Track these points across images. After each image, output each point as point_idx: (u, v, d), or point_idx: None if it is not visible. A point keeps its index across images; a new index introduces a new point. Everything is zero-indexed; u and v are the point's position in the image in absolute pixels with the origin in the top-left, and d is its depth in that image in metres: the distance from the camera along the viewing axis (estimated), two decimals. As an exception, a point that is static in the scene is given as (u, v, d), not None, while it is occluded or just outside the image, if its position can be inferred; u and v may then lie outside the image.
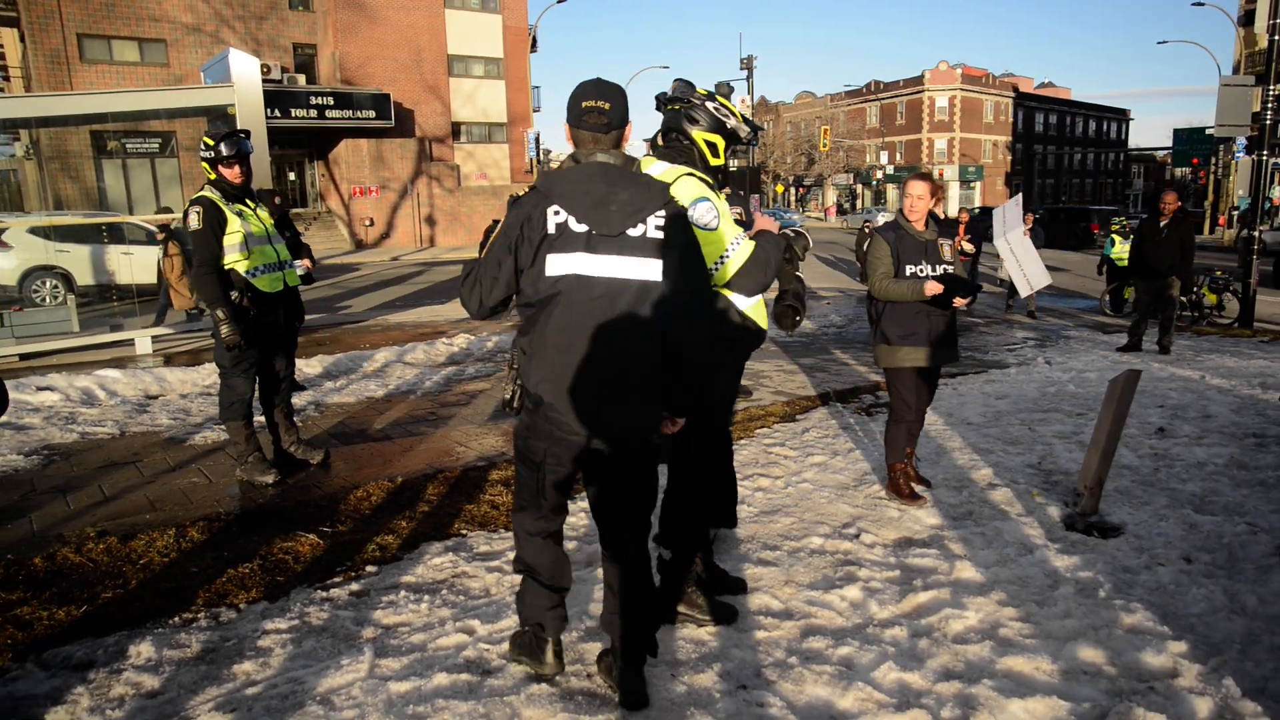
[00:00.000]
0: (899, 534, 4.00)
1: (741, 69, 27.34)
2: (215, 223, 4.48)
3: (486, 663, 2.89)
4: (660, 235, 2.44)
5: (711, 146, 3.04)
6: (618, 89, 2.52)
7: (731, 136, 3.07)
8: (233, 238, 4.54)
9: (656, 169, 2.89)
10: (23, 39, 26.76)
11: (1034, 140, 65.54)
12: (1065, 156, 67.61)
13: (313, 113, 27.81)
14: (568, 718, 2.58)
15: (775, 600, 3.33)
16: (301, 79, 29.01)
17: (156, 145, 27.04)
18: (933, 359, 4.36)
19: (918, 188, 4.37)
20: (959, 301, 4.23)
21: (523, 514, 2.70)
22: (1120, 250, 12.61)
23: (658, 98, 3.09)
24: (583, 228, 2.40)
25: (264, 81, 9.49)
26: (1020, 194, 10.19)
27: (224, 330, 4.47)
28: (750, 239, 2.93)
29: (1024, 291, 9.77)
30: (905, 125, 62.48)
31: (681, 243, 2.49)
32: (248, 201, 4.72)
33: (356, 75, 30.06)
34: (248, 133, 4.82)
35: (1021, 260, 9.07)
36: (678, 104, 3.03)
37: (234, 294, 4.55)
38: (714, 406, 3.19)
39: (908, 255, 4.31)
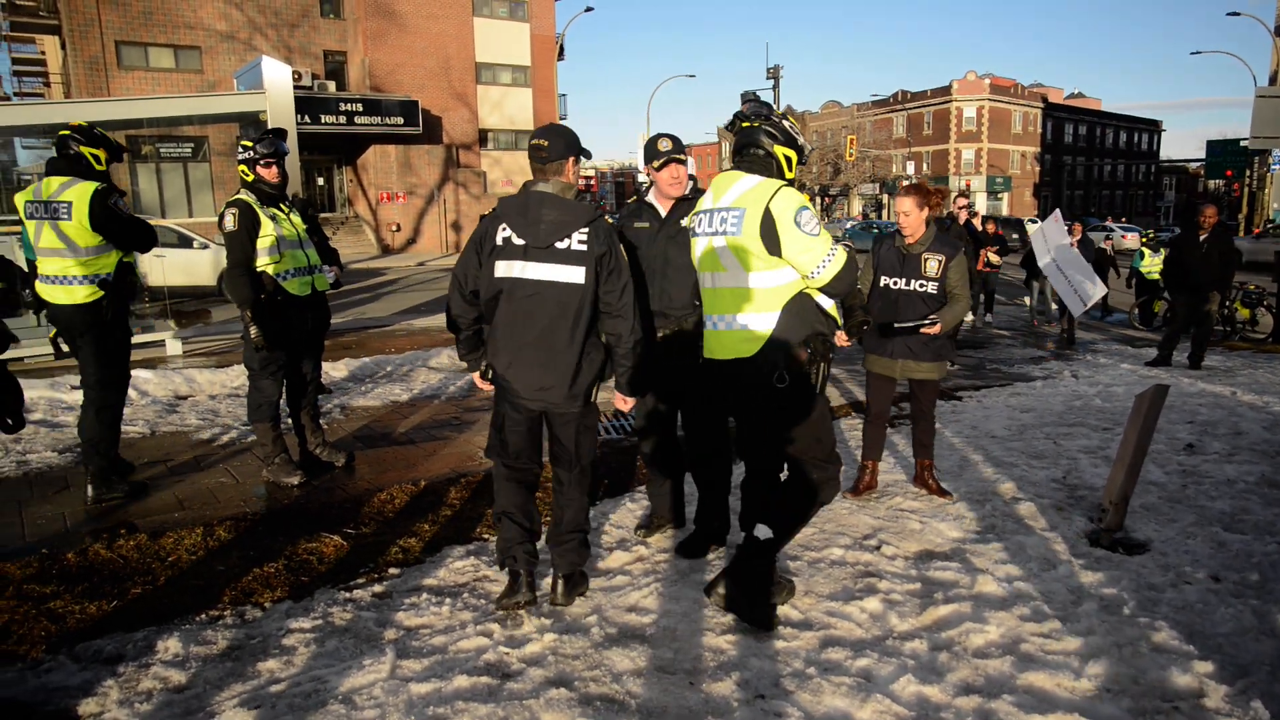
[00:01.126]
0: (920, 546, 3.98)
1: (768, 78, 27.38)
2: (250, 225, 4.56)
3: (506, 666, 2.92)
4: (584, 247, 3.05)
5: (789, 161, 3.17)
6: (560, 131, 3.16)
7: (801, 151, 3.21)
8: (265, 240, 4.62)
9: (749, 182, 3.06)
10: (64, 46, 27.34)
11: (1063, 151, 64.97)
12: (1095, 168, 66.90)
13: (342, 119, 28.20)
14: (586, 723, 2.59)
15: (795, 611, 3.33)
16: (331, 86, 29.42)
17: (189, 150, 27.53)
18: (898, 371, 4.56)
19: (904, 204, 4.42)
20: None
21: (494, 460, 3.36)
22: (1150, 263, 12.46)
23: (735, 116, 3.19)
24: (521, 241, 3.07)
25: (295, 88, 9.64)
26: (1057, 210, 9.91)
27: (254, 332, 4.54)
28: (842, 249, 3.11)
29: (1078, 309, 9.14)
30: (932, 135, 62.17)
31: (601, 252, 3.06)
32: (281, 206, 4.81)
33: (385, 82, 30.43)
34: (284, 133, 4.92)
35: (1071, 277, 8.65)
36: (757, 120, 3.13)
37: (265, 296, 4.63)
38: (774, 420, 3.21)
39: (885, 267, 4.51)
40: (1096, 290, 8.73)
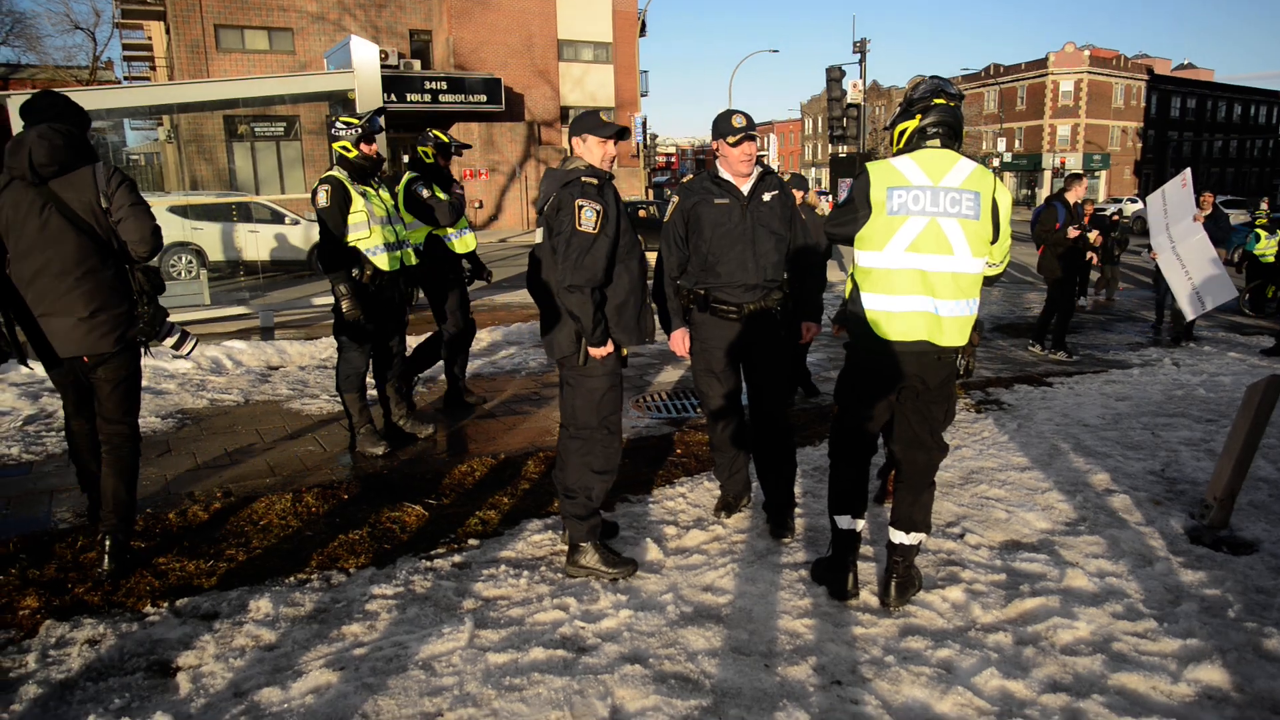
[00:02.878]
0: (1006, 536, 3.85)
1: (854, 52, 26.58)
2: (342, 201, 4.69)
3: (582, 640, 2.95)
4: (545, 212, 3.34)
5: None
6: (579, 115, 3.42)
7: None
8: (357, 216, 4.75)
9: (969, 165, 2.96)
10: (168, 31, 28.55)
11: (1169, 126, 61.48)
12: (1205, 144, 63.13)
13: (427, 97, 28.64)
14: (659, 700, 2.60)
15: (873, 597, 3.26)
16: (417, 64, 29.91)
17: (282, 129, 28.44)
18: None
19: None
20: None
21: None
22: (1266, 246, 11.70)
23: (932, 92, 3.00)
24: None
25: (382, 67, 9.83)
26: (1189, 170, 7.58)
27: (346, 305, 4.67)
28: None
29: (1192, 311, 7.36)
30: (1026, 111, 59.60)
31: (553, 215, 3.29)
32: (371, 182, 4.93)
33: (469, 60, 30.79)
34: (383, 110, 5.11)
35: (1190, 266, 6.93)
36: (953, 100, 2.99)
37: (355, 270, 4.77)
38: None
39: None
40: (1223, 293, 6.98)
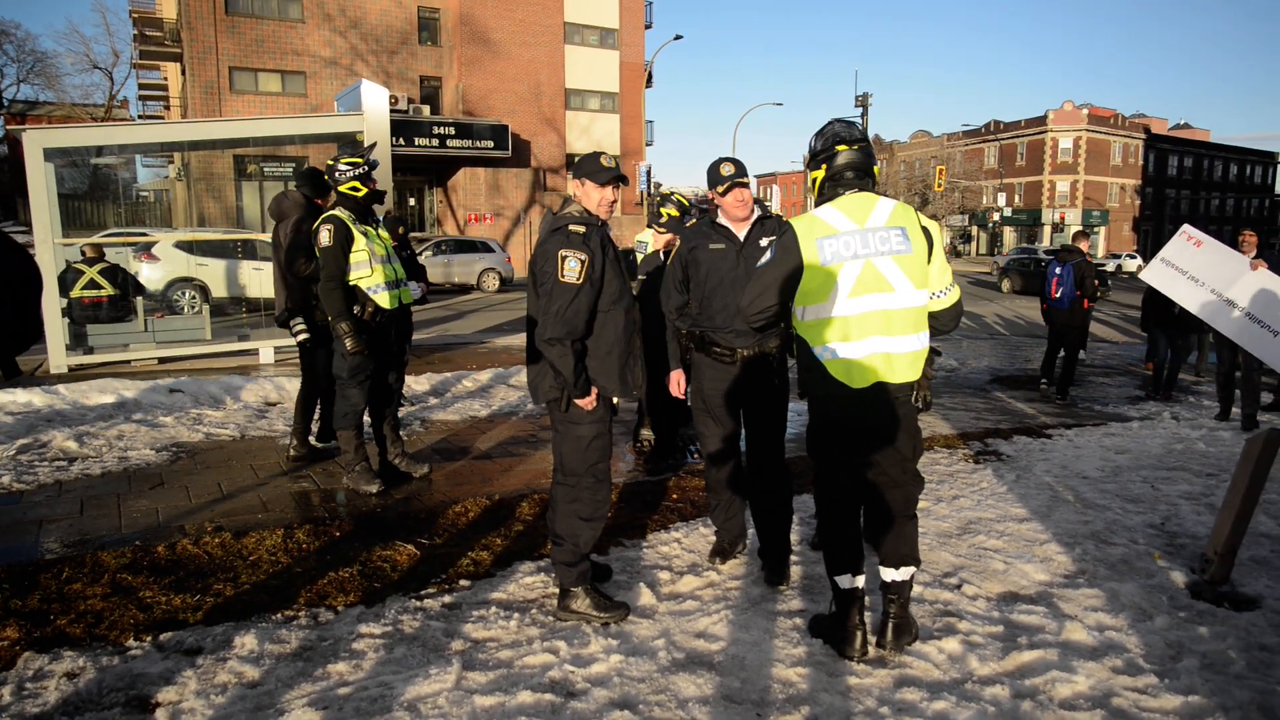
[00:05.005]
0: (1004, 588, 3.80)
1: (856, 106, 27.14)
2: (344, 240, 4.72)
3: (571, 685, 2.89)
4: (533, 256, 3.35)
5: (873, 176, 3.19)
6: (580, 159, 3.42)
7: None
8: (358, 255, 4.78)
9: (889, 203, 3.04)
10: (183, 72, 29.12)
11: (1166, 184, 62.29)
12: (1201, 202, 63.85)
13: (434, 141, 29.12)
14: (648, 748, 2.53)
15: (869, 647, 3.20)
16: (426, 109, 30.45)
17: (290, 169, 28.82)
18: None
19: None
20: None
21: None
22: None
23: (841, 139, 3.09)
24: None
25: (391, 111, 10.00)
26: (1186, 227, 6.90)
27: (349, 342, 4.68)
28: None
29: None
30: (1025, 166, 60.44)
31: (539, 262, 3.29)
32: (370, 222, 4.97)
33: (477, 107, 31.34)
34: (373, 146, 5.19)
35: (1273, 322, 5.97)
36: (857, 144, 3.07)
37: (356, 308, 4.78)
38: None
39: None
40: None
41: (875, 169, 3.11)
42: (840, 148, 3.04)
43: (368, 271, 4.82)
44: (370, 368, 4.88)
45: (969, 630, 3.35)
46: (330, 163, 4.94)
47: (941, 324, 3.15)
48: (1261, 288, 6.01)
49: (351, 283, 4.78)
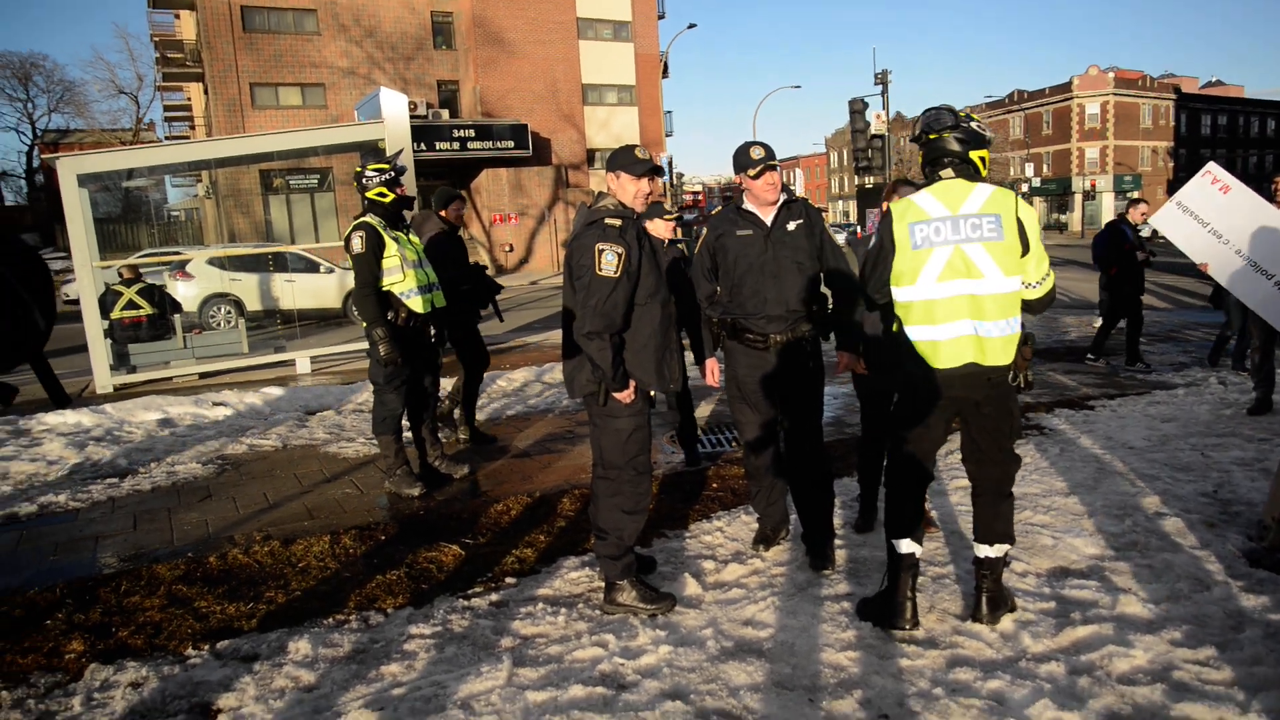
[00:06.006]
0: (1054, 563, 3.75)
1: (876, 84, 26.74)
2: (376, 246, 4.77)
3: (621, 677, 2.90)
4: (568, 250, 3.39)
5: (983, 161, 3.13)
6: (609, 156, 3.46)
7: (989, 146, 3.17)
8: (391, 261, 4.82)
9: (986, 189, 3.04)
10: (206, 91, 29.55)
11: (1200, 144, 60.74)
12: (1238, 159, 62.22)
13: (455, 145, 29.25)
14: (702, 737, 2.54)
15: (918, 629, 3.18)
16: (445, 113, 30.61)
17: (315, 181, 29.17)
18: (874, 383, 4.17)
19: (906, 192, 4.14)
20: None
21: None
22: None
23: (926, 126, 3.13)
24: None
25: (411, 117, 10.06)
26: (1211, 165, 6.18)
27: (383, 348, 4.73)
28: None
29: None
30: (1052, 135, 59.32)
31: (575, 256, 3.30)
32: (401, 228, 5.02)
33: (496, 108, 31.44)
34: (401, 151, 5.24)
35: None
36: (947, 131, 3.08)
37: (390, 314, 4.83)
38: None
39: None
40: None
41: (977, 154, 3.10)
42: (930, 137, 3.10)
43: (400, 277, 4.86)
44: (406, 373, 4.92)
45: (1020, 607, 3.31)
46: (358, 169, 4.99)
47: (1032, 310, 3.19)
48: None
49: (384, 288, 4.83)
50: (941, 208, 3.04)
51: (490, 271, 6.04)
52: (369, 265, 4.75)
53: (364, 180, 4.91)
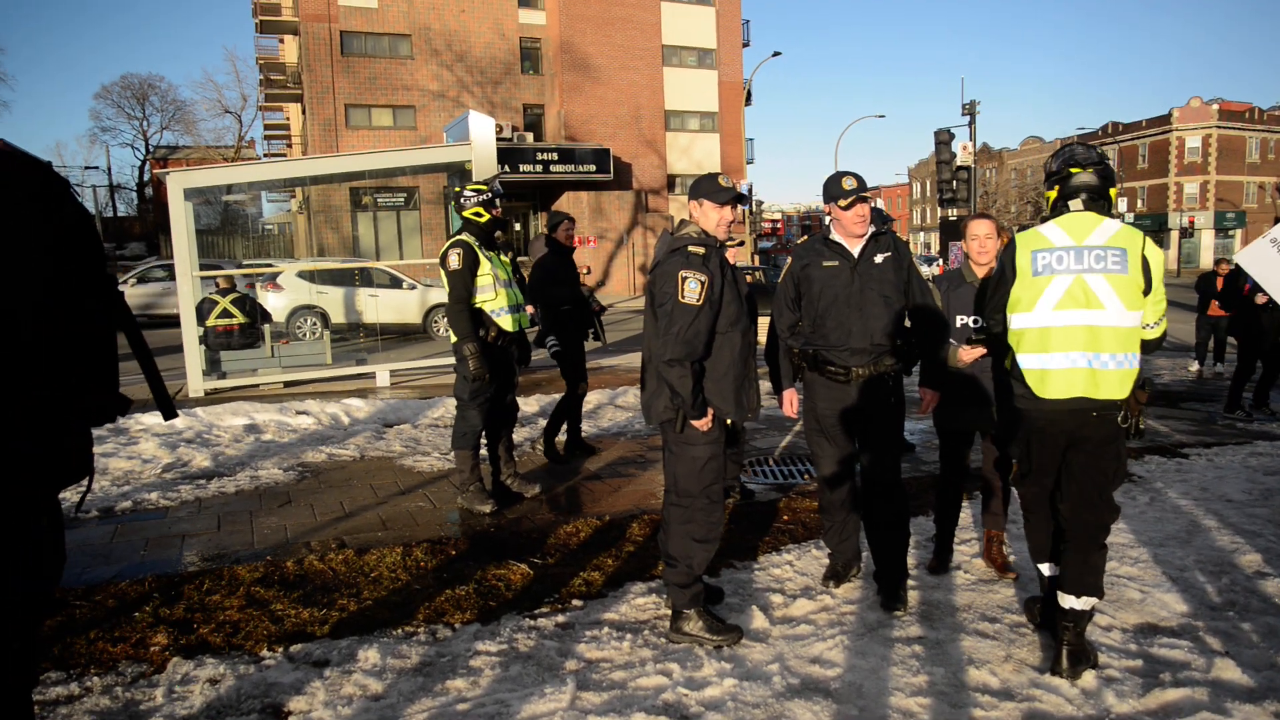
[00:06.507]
0: (1141, 619, 3.56)
1: (963, 114, 26.26)
2: (471, 264, 4.91)
3: (685, 708, 2.87)
4: (650, 276, 3.40)
5: (1112, 199, 3.18)
6: (697, 180, 3.45)
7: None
8: (484, 279, 4.96)
9: (1114, 224, 3.06)
10: (304, 111, 30.92)
11: (1311, 182, 57.54)
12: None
13: (538, 167, 29.86)
14: (765, 776, 2.48)
15: (993, 678, 3.06)
16: (529, 137, 31.29)
17: (402, 199, 30.14)
18: (954, 421, 4.05)
19: (982, 226, 4.06)
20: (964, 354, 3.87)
21: None
22: None
23: (1067, 160, 3.16)
24: None
25: (497, 140, 10.31)
26: None
27: (474, 363, 4.84)
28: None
29: None
30: (1148, 169, 57.15)
31: (657, 282, 3.30)
32: (494, 248, 5.17)
33: (579, 132, 31.99)
34: (500, 174, 5.39)
35: None
36: (1091, 166, 3.10)
37: (481, 331, 4.95)
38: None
39: (959, 305, 4.02)
40: None
41: (1113, 191, 3.14)
42: (1074, 170, 3.10)
43: (492, 295, 4.98)
44: (490, 391, 5.02)
45: (1104, 663, 3.15)
46: (457, 189, 5.17)
47: (1154, 346, 3.18)
48: None
49: (476, 306, 4.95)
50: (1067, 238, 3.05)
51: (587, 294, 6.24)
52: (464, 281, 4.88)
53: (462, 200, 5.06)
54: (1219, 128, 54.51)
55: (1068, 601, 3.07)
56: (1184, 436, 7.22)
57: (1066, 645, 3.07)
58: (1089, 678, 3.04)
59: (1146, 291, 3.00)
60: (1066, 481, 3.13)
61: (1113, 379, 2.98)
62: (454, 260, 4.87)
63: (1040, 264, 3.05)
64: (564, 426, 6.51)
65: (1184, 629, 3.45)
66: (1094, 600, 3.08)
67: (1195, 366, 11.42)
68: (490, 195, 5.07)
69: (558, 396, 8.71)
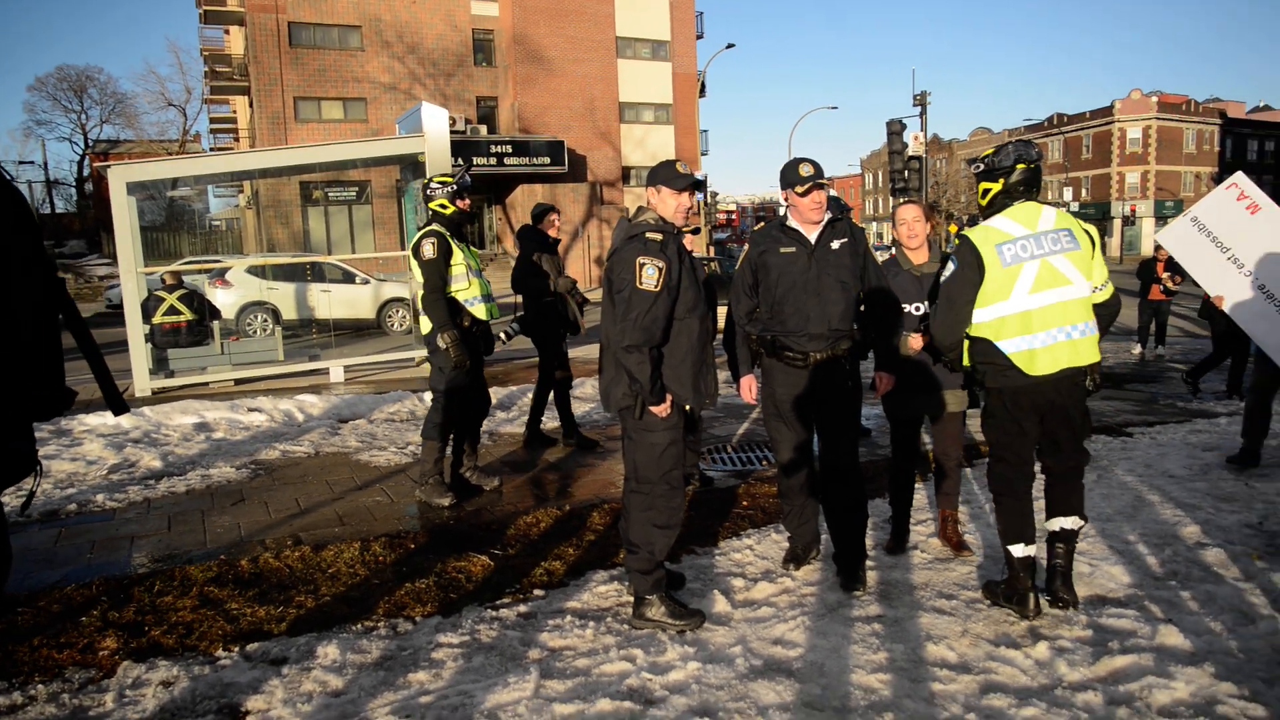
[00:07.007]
0: (1091, 591, 3.66)
1: (914, 105, 26.60)
2: (446, 253, 4.89)
3: (649, 692, 2.88)
4: (607, 264, 3.38)
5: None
6: (651, 170, 3.46)
7: None
8: (458, 268, 4.95)
9: (1053, 210, 3.38)
10: (251, 104, 30.24)
11: (1246, 171, 58.60)
12: (1284, 188, 60.99)
13: (492, 160, 29.62)
14: (729, 756, 2.51)
15: (951, 652, 3.13)
16: (483, 129, 31.01)
17: (354, 193, 29.67)
18: (905, 408, 4.11)
19: (909, 211, 4.14)
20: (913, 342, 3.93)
21: None
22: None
23: (1017, 156, 3.39)
24: None
25: (450, 132, 10.18)
26: (1239, 175, 5.63)
27: (454, 351, 4.82)
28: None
29: None
30: (1092, 159, 58.62)
31: (615, 269, 3.30)
32: (465, 238, 5.16)
33: (533, 124, 31.78)
34: (470, 167, 5.37)
35: None
36: (1037, 161, 3.40)
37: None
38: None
39: (901, 293, 4.00)
40: None
41: (1042, 183, 3.45)
42: (1020, 165, 3.36)
43: (466, 284, 4.98)
44: (467, 381, 5.01)
45: (1056, 635, 3.24)
46: (425, 180, 5.16)
47: (1102, 320, 3.44)
48: None
49: (451, 295, 4.94)
50: (1021, 228, 3.31)
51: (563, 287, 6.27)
52: (439, 270, 4.86)
53: (429, 191, 5.03)
54: (1158, 119, 56.10)
55: (1058, 524, 3.48)
56: (1129, 416, 7.43)
57: (1059, 570, 3.48)
58: (1042, 649, 3.12)
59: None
60: (1049, 442, 3.46)
61: (1089, 345, 3.31)
62: (428, 249, 4.84)
63: (1008, 255, 3.27)
64: (549, 412, 6.64)
65: (1130, 599, 3.56)
66: (1081, 521, 3.49)
67: (1138, 349, 11.74)
68: (456, 187, 5.04)
69: (514, 389, 8.68)
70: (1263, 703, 2.73)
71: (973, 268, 3.30)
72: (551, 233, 6.33)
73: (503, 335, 6.11)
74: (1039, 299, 3.27)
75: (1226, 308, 5.08)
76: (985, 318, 3.32)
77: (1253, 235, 4.99)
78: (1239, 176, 5.27)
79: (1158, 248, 11.56)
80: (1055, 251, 3.28)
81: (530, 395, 6.94)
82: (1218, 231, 5.06)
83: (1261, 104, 69.06)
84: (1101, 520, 4.55)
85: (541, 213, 6.36)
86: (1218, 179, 57.32)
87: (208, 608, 3.57)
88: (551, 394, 6.53)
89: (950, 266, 3.40)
